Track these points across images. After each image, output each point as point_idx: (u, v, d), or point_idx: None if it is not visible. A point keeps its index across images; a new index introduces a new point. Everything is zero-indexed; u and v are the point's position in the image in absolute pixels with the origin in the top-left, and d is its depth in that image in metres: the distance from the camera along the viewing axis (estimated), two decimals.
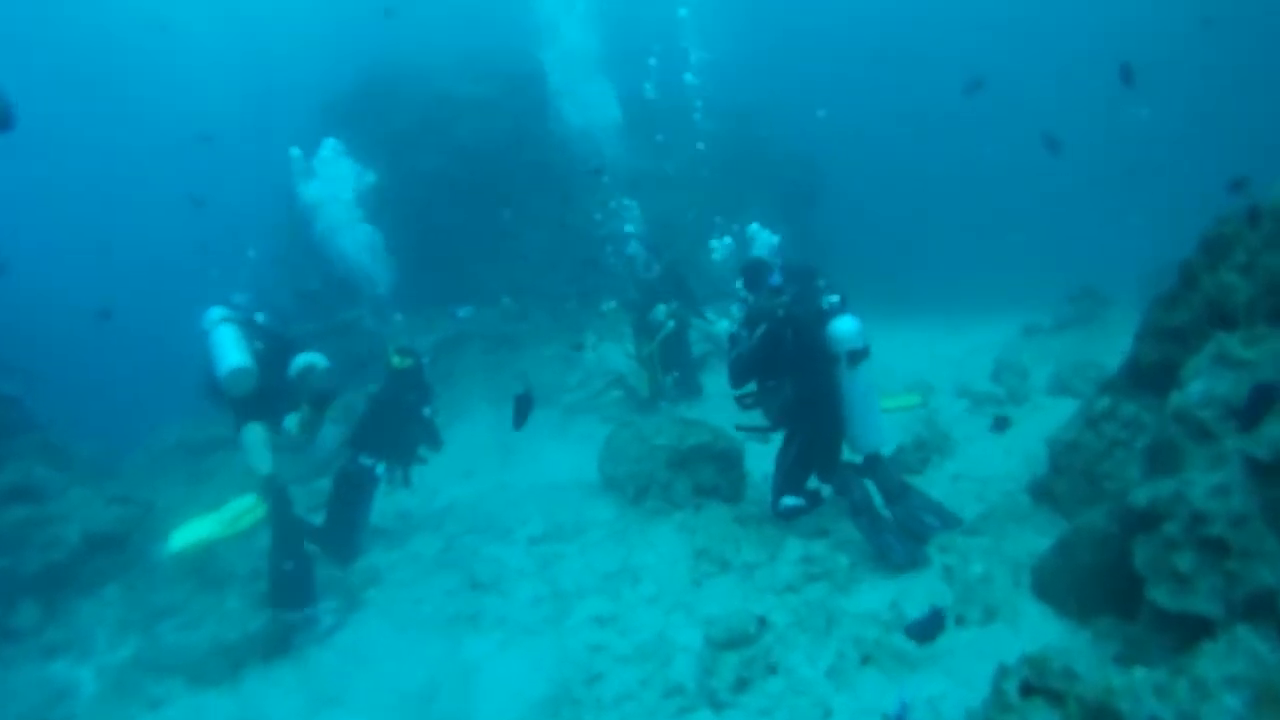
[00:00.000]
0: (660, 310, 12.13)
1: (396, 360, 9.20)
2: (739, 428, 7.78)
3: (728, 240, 10.53)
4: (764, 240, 9.29)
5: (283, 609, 7.59)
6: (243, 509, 8.42)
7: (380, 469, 8.89)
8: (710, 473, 8.05)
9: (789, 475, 7.29)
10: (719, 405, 11.74)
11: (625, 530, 7.78)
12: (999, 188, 31.84)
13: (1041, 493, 6.85)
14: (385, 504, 9.36)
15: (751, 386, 7.51)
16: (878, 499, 7.07)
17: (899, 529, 6.80)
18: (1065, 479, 6.58)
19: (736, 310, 7.88)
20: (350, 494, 8.82)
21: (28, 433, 11.42)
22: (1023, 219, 27.07)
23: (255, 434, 8.33)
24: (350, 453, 8.96)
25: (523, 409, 7.52)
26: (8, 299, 18.82)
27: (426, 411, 9.29)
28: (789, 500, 7.25)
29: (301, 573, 7.84)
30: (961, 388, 10.91)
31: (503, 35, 20.12)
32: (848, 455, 7.36)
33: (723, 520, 7.33)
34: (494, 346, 15.69)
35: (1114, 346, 10.64)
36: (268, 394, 8.34)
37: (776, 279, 7.24)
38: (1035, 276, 17.32)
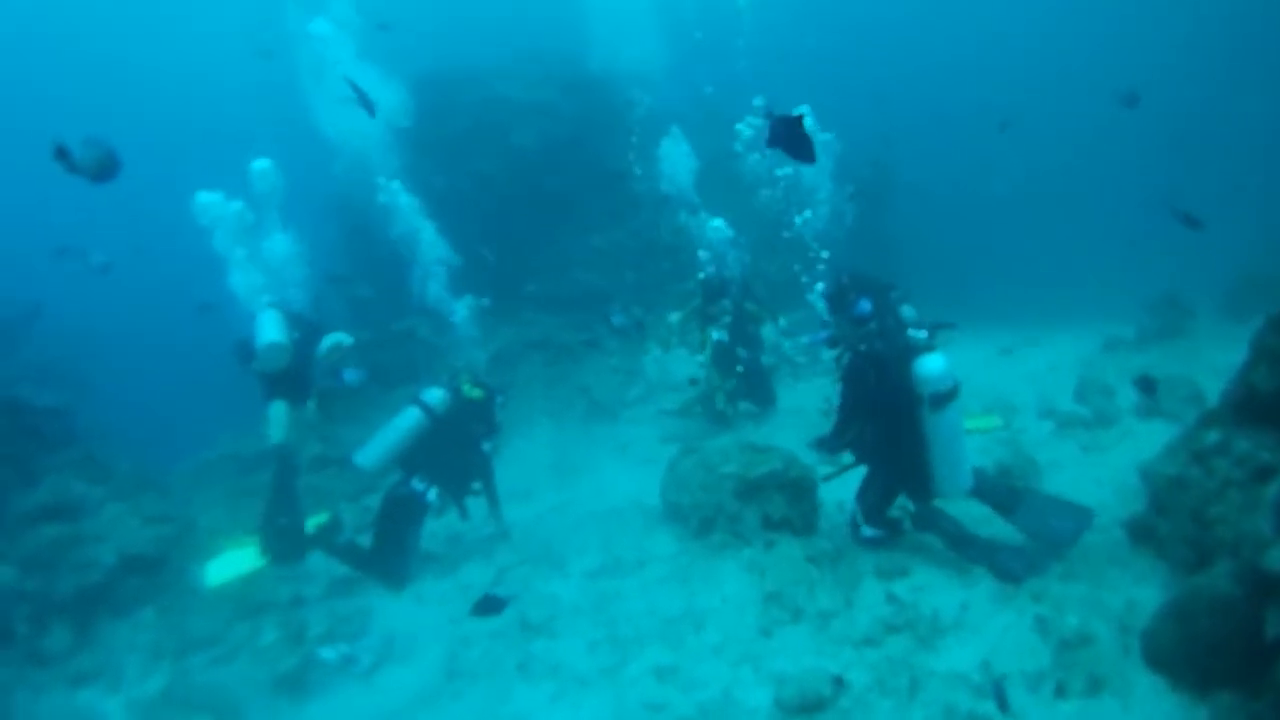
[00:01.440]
0: (723, 304, 11.76)
1: (468, 389, 9.02)
2: (825, 478, 7.38)
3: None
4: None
5: (276, 561, 8.07)
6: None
7: (432, 495, 8.56)
8: (780, 503, 7.47)
9: (871, 508, 7.03)
10: (786, 422, 11.34)
11: (689, 567, 7.24)
12: (1071, 190, 30.99)
13: (1141, 533, 6.23)
14: (436, 525, 9.04)
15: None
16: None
17: (1012, 544, 6.50)
18: (1170, 520, 5.92)
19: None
20: (399, 518, 8.52)
21: (69, 446, 11.15)
22: (1099, 223, 26.24)
23: (279, 408, 8.88)
24: (402, 475, 8.64)
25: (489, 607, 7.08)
26: (61, 304, 18.85)
27: (487, 447, 9.02)
28: (868, 532, 7.02)
29: (294, 529, 8.29)
30: (1045, 407, 10.31)
31: (561, 39, 19.88)
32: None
33: (795, 559, 6.76)
34: (555, 357, 15.32)
35: (1204, 362, 10.50)
36: (295, 377, 9.00)
37: (865, 306, 6.82)
38: (1114, 284, 16.69)
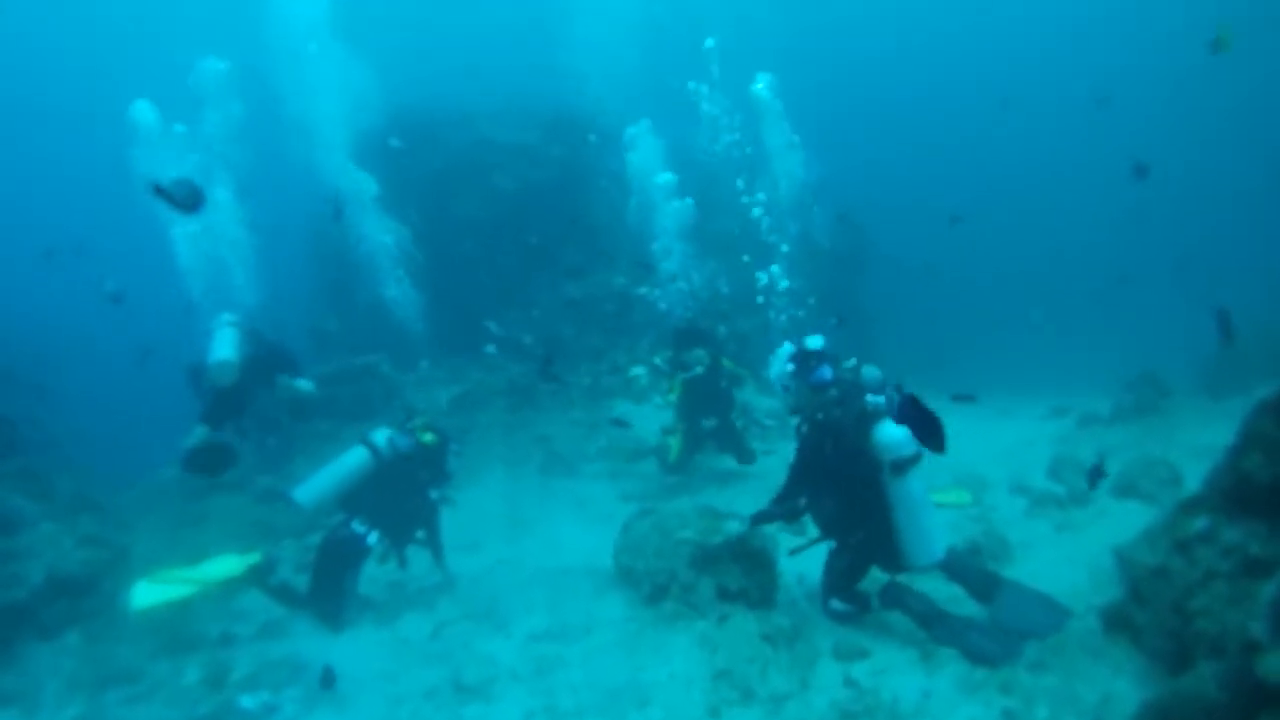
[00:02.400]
0: (697, 353, 11.37)
1: (426, 435, 8.74)
2: (792, 552, 7.00)
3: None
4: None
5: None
6: (219, 570, 7.75)
7: (373, 539, 8.21)
8: (737, 574, 7.05)
9: (839, 580, 6.81)
10: (750, 487, 10.98)
11: (638, 635, 6.81)
12: (1046, 268, 31.19)
13: (1118, 621, 5.85)
14: (378, 571, 8.65)
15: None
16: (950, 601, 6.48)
17: (986, 625, 6.21)
18: (1149, 611, 5.55)
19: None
20: (338, 560, 8.13)
21: (8, 458, 10.92)
22: (1074, 300, 26.30)
23: (199, 431, 9.60)
24: (343, 516, 8.28)
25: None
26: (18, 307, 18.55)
27: (435, 495, 8.71)
28: (836, 605, 6.78)
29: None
30: (1017, 484, 10.05)
31: (546, 81, 19.79)
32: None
33: (749, 635, 6.33)
34: (517, 404, 14.94)
35: (1181, 442, 10.29)
36: (243, 394, 9.84)
37: (824, 373, 6.67)
38: (1088, 360, 16.60)
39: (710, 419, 11.52)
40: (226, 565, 7.76)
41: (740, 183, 15.06)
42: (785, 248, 13.84)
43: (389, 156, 18.08)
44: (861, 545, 6.63)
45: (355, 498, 8.31)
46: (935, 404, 5.49)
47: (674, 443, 11.53)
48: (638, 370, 13.00)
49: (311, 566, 8.30)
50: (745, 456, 11.67)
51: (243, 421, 10.46)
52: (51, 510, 9.85)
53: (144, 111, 12.13)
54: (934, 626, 6.19)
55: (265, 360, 10.40)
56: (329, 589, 8.06)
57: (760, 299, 13.47)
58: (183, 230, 11.24)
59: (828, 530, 6.84)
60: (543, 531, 10.46)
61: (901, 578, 6.66)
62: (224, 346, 9.69)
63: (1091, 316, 25.20)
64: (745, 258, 13.71)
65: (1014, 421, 13.33)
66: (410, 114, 19.32)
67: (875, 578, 6.81)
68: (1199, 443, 9.82)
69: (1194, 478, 7.84)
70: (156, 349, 16.47)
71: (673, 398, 11.49)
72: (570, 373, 15.66)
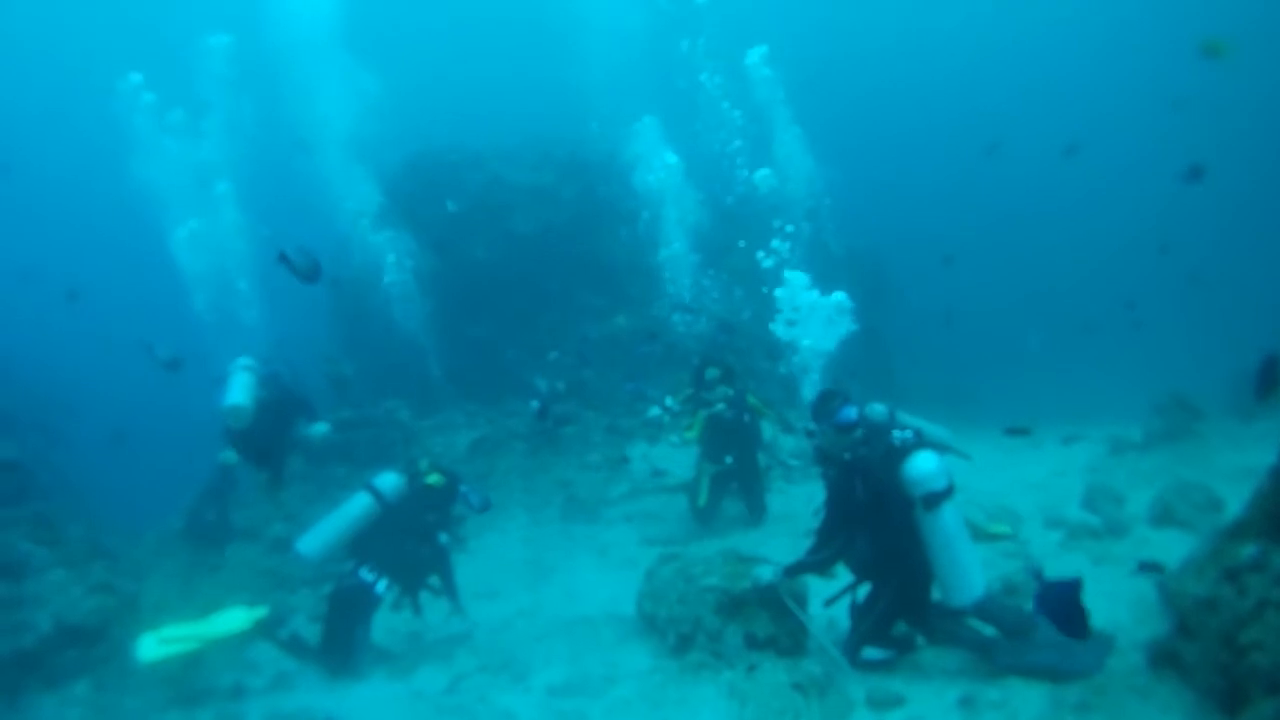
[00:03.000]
0: (719, 390, 11.06)
1: (432, 476, 8.49)
2: (828, 602, 6.76)
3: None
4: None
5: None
6: (230, 622, 7.60)
7: (381, 587, 8.02)
8: (765, 621, 6.78)
9: (875, 627, 6.41)
10: (777, 529, 10.77)
11: (662, 688, 6.54)
12: (1072, 289, 30.89)
13: (1164, 658, 5.53)
14: (395, 620, 8.47)
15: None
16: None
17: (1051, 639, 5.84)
18: (1198, 645, 5.20)
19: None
20: (347, 611, 7.95)
21: (20, 503, 10.89)
22: (1100, 322, 25.96)
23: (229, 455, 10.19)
24: (351, 565, 8.10)
25: None
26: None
27: (443, 538, 8.46)
28: (873, 654, 6.39)
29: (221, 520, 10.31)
30: (1051, 516, 9.65)
31: (563, 123, 19.75)
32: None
33: (779, 686, 6.03)
34: (536, 448, 14.70)
35: (1216, 466, 10.09)
36: (259, 437, 10.02)
37: (849, 413, 6.36)
38: (1116, 385, 16.27)
39: (731, 455, 11.20)
40: (234, 618, 7.60)
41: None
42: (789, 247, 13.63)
43: (406, 198, 18.09)
44: (900, 588, 6.38)
45: (362, 545, 8.12)
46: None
47: (704, 484, 11.23)
48: (655, 411, 12.74)
49: (323, 617, 8.14)
50: (756, 512, 11.35)
51: (268, 464, 10.70)
52: (62, 556, 9.69)
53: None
54: (998, 657, 6.02)
55: (282, 404, 10.50)
56: (340, 640, 7.88)
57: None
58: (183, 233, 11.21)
59: (863, 574, 6.58)
60: (563, 578, 10.20)
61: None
62: (238, 391, 9.81)
63: (1103, 341, 24.89)
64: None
65: (1041, 451, 12.97)
66: (426, 156, 19.35)
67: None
68: (1234, 466, 9.63)
69: (1235, 502, 7.53)
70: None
71: (691, 435, 11.20)
72: (591, 414, 15.48)
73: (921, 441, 6.23)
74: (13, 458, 11.82)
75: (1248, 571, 5.05)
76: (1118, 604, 6.87)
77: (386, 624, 8.34)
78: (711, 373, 11.12)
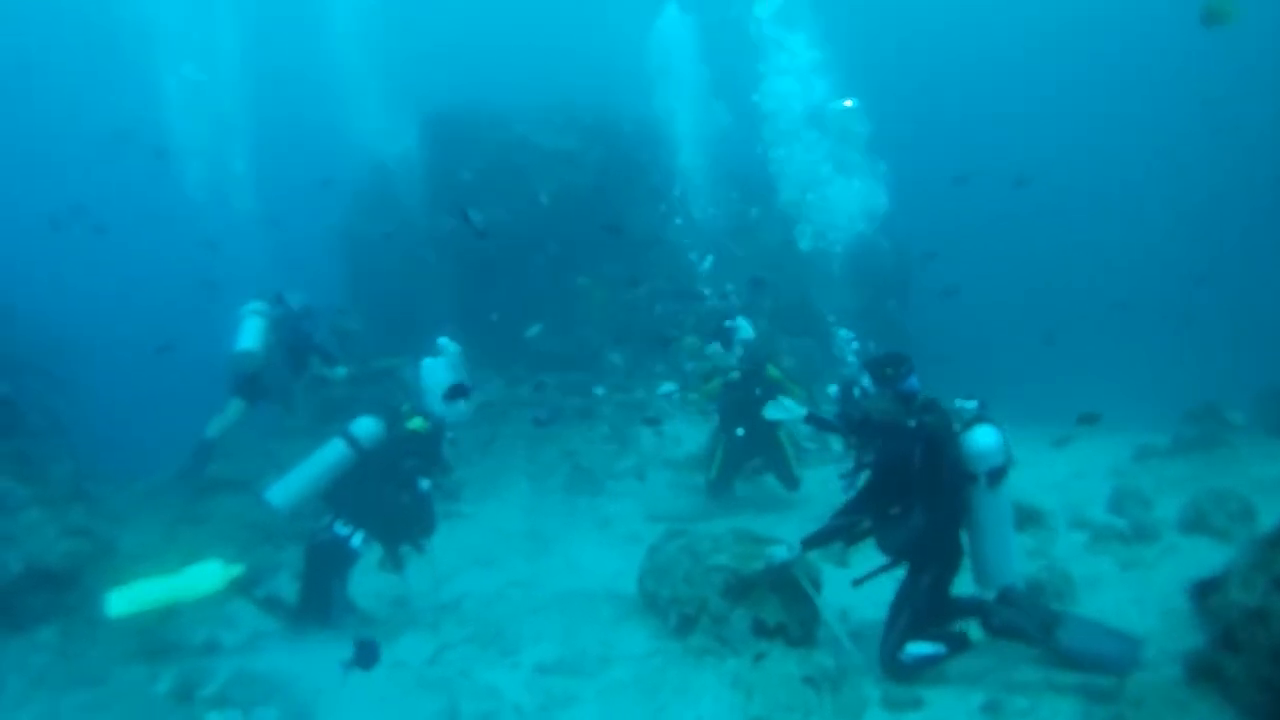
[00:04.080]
0: (729, 359, 10.71)
1: (415, 421, 7.97)
2: (857, 582, 6.30)
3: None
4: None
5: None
6: (204, 579, 7.12)
7: (357, 540, 7.55)
8: (776, 606, 6.31)
9: (919, 617, 5.94)
10: (792, 511, 10.39)
11: (661, 672, 6.09)
12: (1092, 295, 30.50)
13: (1204, 671, 5.07)
14: (384, 584, 8.09)
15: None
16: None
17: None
18: (1243, 659, 4.78)
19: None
20: (322, 567, 7.55)
21: (7, 439, 10.50)
22: (1129, 326, 25.56)
23: (234, 407, 10.63)
24: (327, 518, 7.65)
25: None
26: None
27: (424, 484, 7.86)
28: (920, 649, 5.86)
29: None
30: (1075, 518, 9.26)
31: (592, 87, 19.39)
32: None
33: (789, 678, 5.54)
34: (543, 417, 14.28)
35: (1247, 475, 9.84)
36: (269, 379, 10.43)
37: (914, 382, 6.13)
38: (1142, 389, 15.89)
39: (744, 427, 10.74)
40: (208, 574, 7.14)
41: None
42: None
43: (425, 160, 17.74)
44: (944, 568, 6.03)
45: (338, 496, 7.67)
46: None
47: (718, 456, 10.85)
48: (668, 386, 12.30)
49: (301, 576, 7.73)
50: (789, 482, 10.88)
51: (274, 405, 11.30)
52: (40, 495, 9.27)
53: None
54: (1049, 640, 5.67)
55: (295, 347, 10.94)
56: (318, 598, 7.51)
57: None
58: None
59: (902, 554, 6.15)
60: (563, 550, 9.82)
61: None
62: (248, 336, 10.29)
63: (1140, 347, 24.46)
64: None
65: (1065, 454, 12.51)
66: (449, 114, 18.97)
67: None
68: (1268, 477, 9.36)
69: (1269, 513, 7.60)
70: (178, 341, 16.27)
71: (706, 392, 10.93)
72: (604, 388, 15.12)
73: (984, 414, 6.00)
74: (2, 393, 11.47)
75: None
76: (1147, 612, 6.54)
77: (372, 587, 8.01)
78: (740, 331, 10.74)
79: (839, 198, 13.58)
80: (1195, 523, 8.38)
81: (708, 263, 13.61)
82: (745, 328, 10.79)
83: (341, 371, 11.37)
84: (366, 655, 5.79)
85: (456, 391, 7.98)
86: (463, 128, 18.66)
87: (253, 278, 12.25)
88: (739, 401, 10.51)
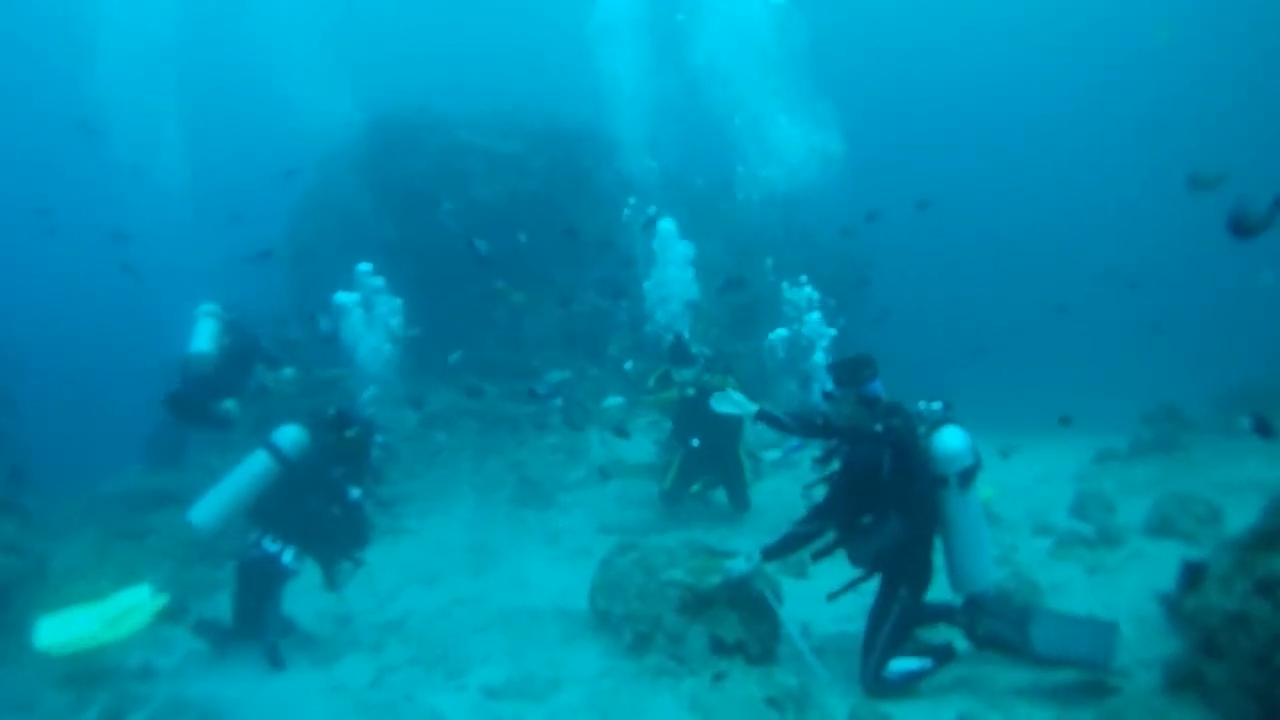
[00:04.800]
0: (684, 374, 10.41)
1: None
2: (831, 597, 6.06)
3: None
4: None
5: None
6: (132, 605, 6.68)
7: (288, 557, 7.15)
8: (734, 622, 6.03)
9: (901, 630, 5.75)
10: (749, 522, 10.28)
11: (614, 694, 5.76)
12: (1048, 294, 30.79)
13: (1184, 679, 4.87)
14: (325, 603, 7.71)
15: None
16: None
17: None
18: (1226, 665, 4.58)
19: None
20: (254, 589, 7.16)
21: None
22: (1083, 330, 25.70)
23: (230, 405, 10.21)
24: (255, 535, 7.24)
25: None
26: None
27: (354, 494, 7.50)
28: (905, 665, 5.68)
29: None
30: (1039, 523, 9.19)
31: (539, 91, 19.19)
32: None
33: (750, 700, 5.19)
34: (490, 427, 14.04)
35: (1208, 477, 9.66)
36: (221, 381, 10.05)
37: (878, 386, 6.00)
38: (1098, 393, 15.90)
39: (698, 438, 10.42)
40: (136, 602, 6.71)
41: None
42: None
43: (365, 162, 17.38)
44: (916, 580, 5.82)
45: (264, 510, 7.28)
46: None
47: (673, 466, 10.56)
48: (613, 400, 12.02)
49: (233, 598, 7.33)
50: (740, 501, 10.59)
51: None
52: None
53: None
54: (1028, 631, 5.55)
55: (245, 351, 10.70)
56: (252, 620, 7.12)
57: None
58: None
59: (877, 565, 5.92)
60: (510, 566, 9.50)
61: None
62: (201, 338, 10.08)
63: (1095, 350, 24.63)
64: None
65: (1024, 459, 12.39)
66: (391, 118, 18.68)
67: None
68: (1229, 479, 9.28)
69: (1235, 515, 7.59)
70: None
71: (659, 400, 10.73)
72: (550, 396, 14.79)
73: (949, 416, 5.86)
74: None
75: None
76: (1118, 619, 6.23)
77: (314, 606, 7.67)
78: (696, 350, 10.54)
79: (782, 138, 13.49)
80: (1161, 527, 8.37)
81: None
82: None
83: (288, 373, 11.25)
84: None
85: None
86: (407, 132, 18.34)
87: (196, 275, 12.62)
88: (695, 413, 10.22)
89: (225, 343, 10.29)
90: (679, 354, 10.46)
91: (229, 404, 10.35)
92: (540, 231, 16.20)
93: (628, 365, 11.13)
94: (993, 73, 43.55)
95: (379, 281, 10.48)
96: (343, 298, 10.43)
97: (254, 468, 7.22)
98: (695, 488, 10.62)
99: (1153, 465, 11.04)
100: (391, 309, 10.59)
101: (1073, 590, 7.30)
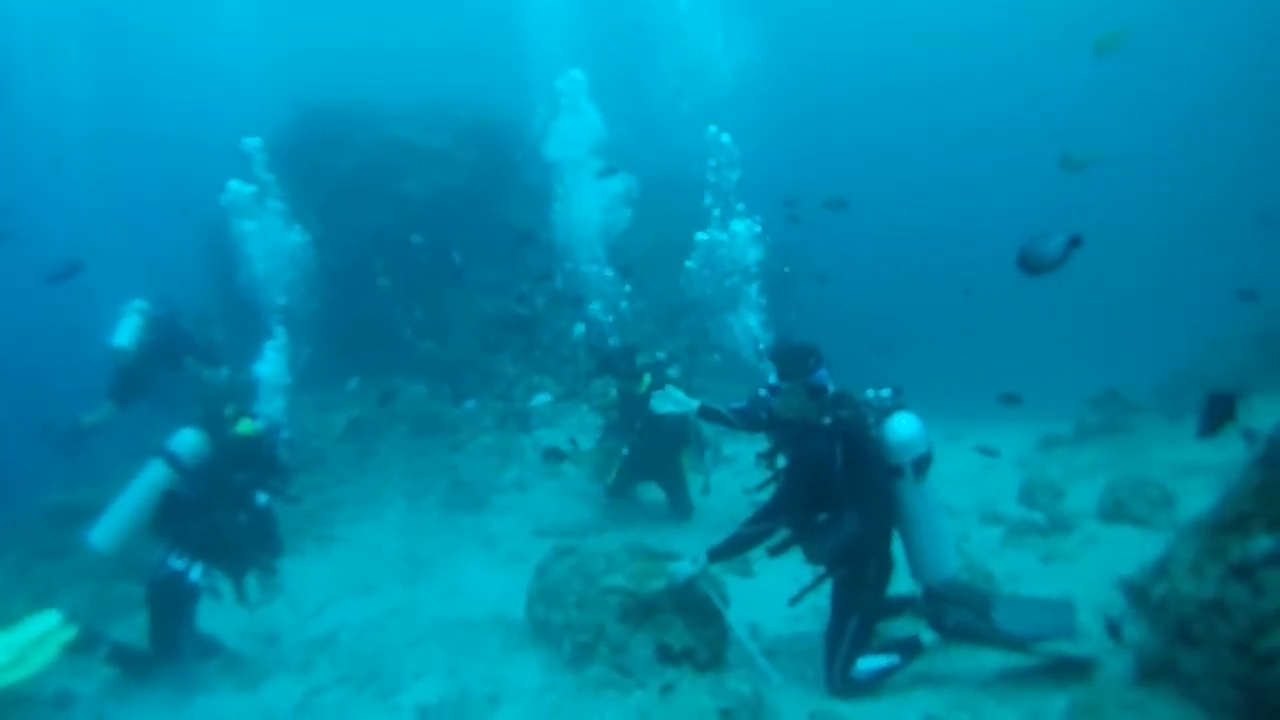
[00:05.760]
0: (598, 384, 10.33)
1: (243, 424, 7.08)
2: (792, 601, 5.77)
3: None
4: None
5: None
6: (39, 635, 6.22)
7: (196, 574, 6.69)
8: (680, 629, 5.72)
9: (866, 627, 5.59)
10: (690, 521, 9.96)
11: (556, 710, 5.42)
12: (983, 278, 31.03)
13: (1158, 669, 4.75)
14: (251, 619, 7.28)
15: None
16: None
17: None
18: (1204, 654, 4.43)
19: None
20: (164, 609, 6.73)
21: None
22: (1016, 312, 25.84)
23: (107, 408, 10.45)
24: (159, 551, 6.77)
25: None
26: None
27: (262, 499, 7.04)
28: (873, 663, 5.47)
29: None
30: (988, 512, 9.01)
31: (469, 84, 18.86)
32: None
33: (702, 710, 4.86)
34: (420, 430, 13.61)
35: (1158, 460, 9.50)
36: (145, 375, 10.42)
37: (824, 375, 5.67)
38: (1031, 379, 15.86)
39: (628, 446, 10.06)
40: (43, 633, 6.25)
41: None
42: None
43: (290, 157, 16.93)
44: (880, 571, 5.64)
45: (166, 524, 6.80)
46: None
47: (614, 464, 10.15)
48: (542, 398, 11.69)
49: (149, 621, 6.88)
50: (680, 508, 10.13)
51: (145, 403, 10.85)
52: None
53: None
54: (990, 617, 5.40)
55: (171, 347, 10.79)
56: (166, 645, 6.71)
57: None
58: None
59: (837, 563, 5.67)
60: (444, 573, 9.13)
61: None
62: (123, 333, 10.27)
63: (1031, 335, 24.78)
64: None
65: (960, 444, 12.23)
66: (317, 113, 18.28)
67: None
68: (1175, 461, 9.15)
69: (1186, 498, 7.62)
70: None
71: (598, 404, 10.41)
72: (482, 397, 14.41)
73: (900, 402, 5.60)
74: None
75: (1264, 567, 4.28)
76: (1081, 609, 6.06)
77: (239, 623, 7.25)
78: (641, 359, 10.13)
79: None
80: (1114, 511, 8.25)
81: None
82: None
83: (224, 373, 11.20)
84: None
85: None
86: (334, 126, 17.93)
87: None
88: (634, 418, 9.88)
89: (149, 339, 10.43)
90: (618, 365, 10.06)
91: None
92: (469, 226, 15.85)
93: (541, 398, 10.77)
94: (930, 61, 43.75)
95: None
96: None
97: (150, 478, 6.76)
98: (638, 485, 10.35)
99: (1098, 450, 10.98)
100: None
101: (1029, 579, 7.11)
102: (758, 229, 10.84)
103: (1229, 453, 7.33)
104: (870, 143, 40.93)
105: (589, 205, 12.16)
